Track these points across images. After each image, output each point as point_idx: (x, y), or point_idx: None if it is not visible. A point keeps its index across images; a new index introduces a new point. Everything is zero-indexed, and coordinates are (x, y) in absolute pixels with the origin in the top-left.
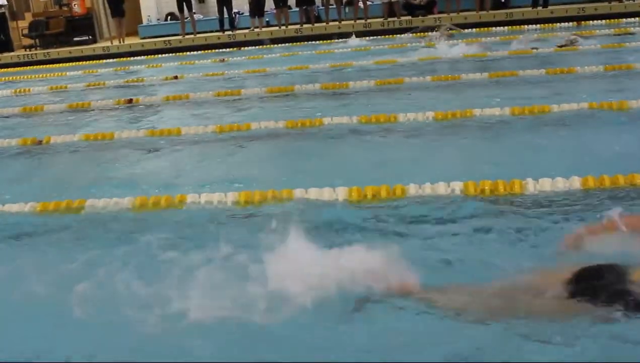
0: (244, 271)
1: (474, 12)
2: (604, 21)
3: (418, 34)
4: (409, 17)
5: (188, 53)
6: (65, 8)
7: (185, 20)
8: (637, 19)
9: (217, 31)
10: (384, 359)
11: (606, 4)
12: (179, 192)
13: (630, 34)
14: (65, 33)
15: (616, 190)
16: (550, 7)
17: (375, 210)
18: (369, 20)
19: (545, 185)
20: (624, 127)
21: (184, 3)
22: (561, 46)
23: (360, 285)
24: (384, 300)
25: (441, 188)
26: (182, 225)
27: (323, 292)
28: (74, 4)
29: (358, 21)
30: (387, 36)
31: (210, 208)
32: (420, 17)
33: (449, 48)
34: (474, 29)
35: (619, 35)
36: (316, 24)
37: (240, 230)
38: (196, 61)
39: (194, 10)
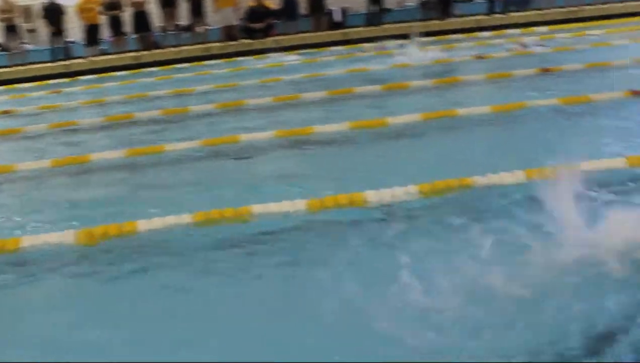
0: None
1: (312, 34)
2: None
3: None
4: (249, 40)
5: (19, 85)
6: None
7: (14, 52)
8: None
9: (50, 61)
10: None
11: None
12: (11, 234)
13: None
14: None
15: None
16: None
17: None
18: (208, 45)
19: None
20: None
21: (12, 32)
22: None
23: None
24: None
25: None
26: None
27: None
28: None
29: (197, 45)
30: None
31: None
32: (259, 40)
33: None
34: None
35: None
36: (155, 50)
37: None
38: (29, 93)
39: (24, 39)
